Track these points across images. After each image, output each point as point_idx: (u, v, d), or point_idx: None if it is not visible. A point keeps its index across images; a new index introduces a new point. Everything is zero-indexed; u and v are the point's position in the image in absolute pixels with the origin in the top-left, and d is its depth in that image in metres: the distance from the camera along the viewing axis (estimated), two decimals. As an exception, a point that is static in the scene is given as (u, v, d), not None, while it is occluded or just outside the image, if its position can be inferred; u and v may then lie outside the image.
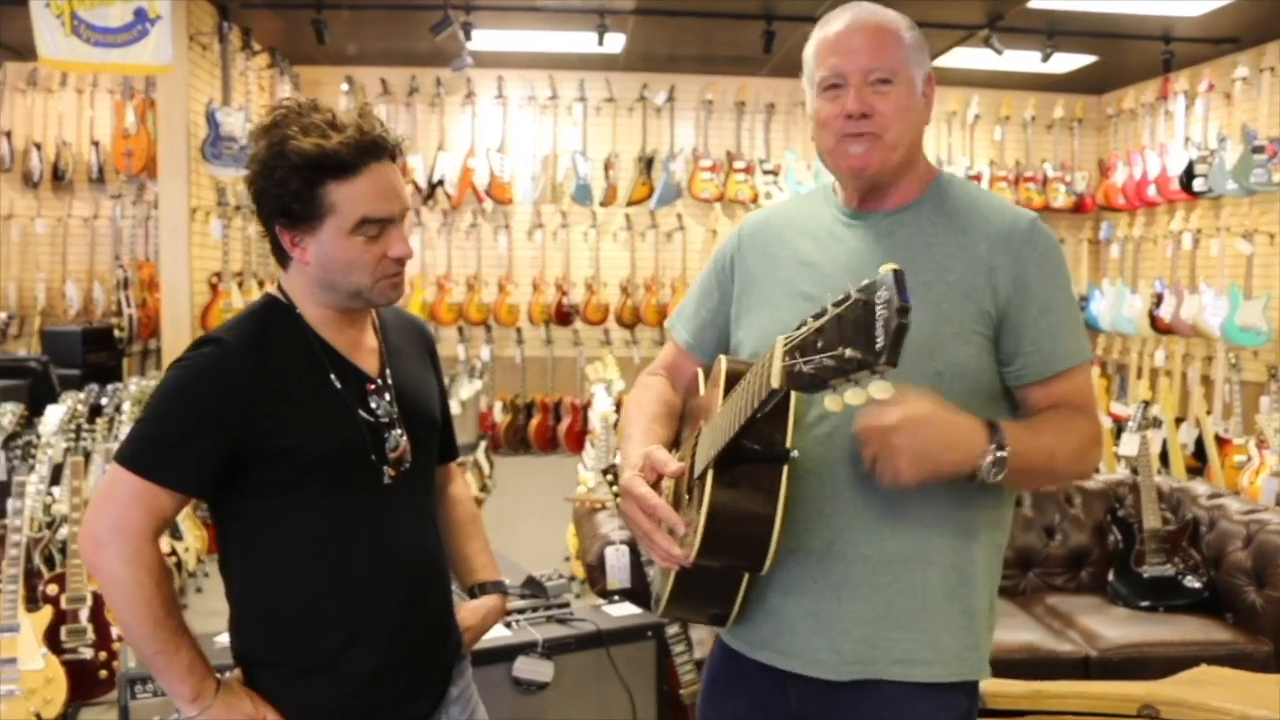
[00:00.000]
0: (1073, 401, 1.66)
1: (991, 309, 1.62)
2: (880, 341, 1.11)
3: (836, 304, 1.17)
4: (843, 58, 1.66)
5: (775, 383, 1.25)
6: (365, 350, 1.77)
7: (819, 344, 1.18)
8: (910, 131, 1.68)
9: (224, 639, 2.71)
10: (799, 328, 1.22)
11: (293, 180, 1.60)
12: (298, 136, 1.59)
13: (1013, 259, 1.64)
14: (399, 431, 1.74)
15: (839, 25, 1.69)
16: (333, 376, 1.69)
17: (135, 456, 1.61)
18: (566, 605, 3.15)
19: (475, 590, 1.95)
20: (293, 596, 1.68)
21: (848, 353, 1.13)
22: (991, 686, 2.36)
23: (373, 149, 1.63)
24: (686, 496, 1.63)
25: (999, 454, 1.50)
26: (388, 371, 1.78)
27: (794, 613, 1.67)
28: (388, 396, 1.75)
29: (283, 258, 1.71)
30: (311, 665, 1.69)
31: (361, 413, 1.70)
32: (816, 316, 1.19)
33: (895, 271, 1.11)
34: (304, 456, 1.64)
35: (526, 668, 2.89)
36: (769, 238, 1.82)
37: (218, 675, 1.66)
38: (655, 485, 1.61)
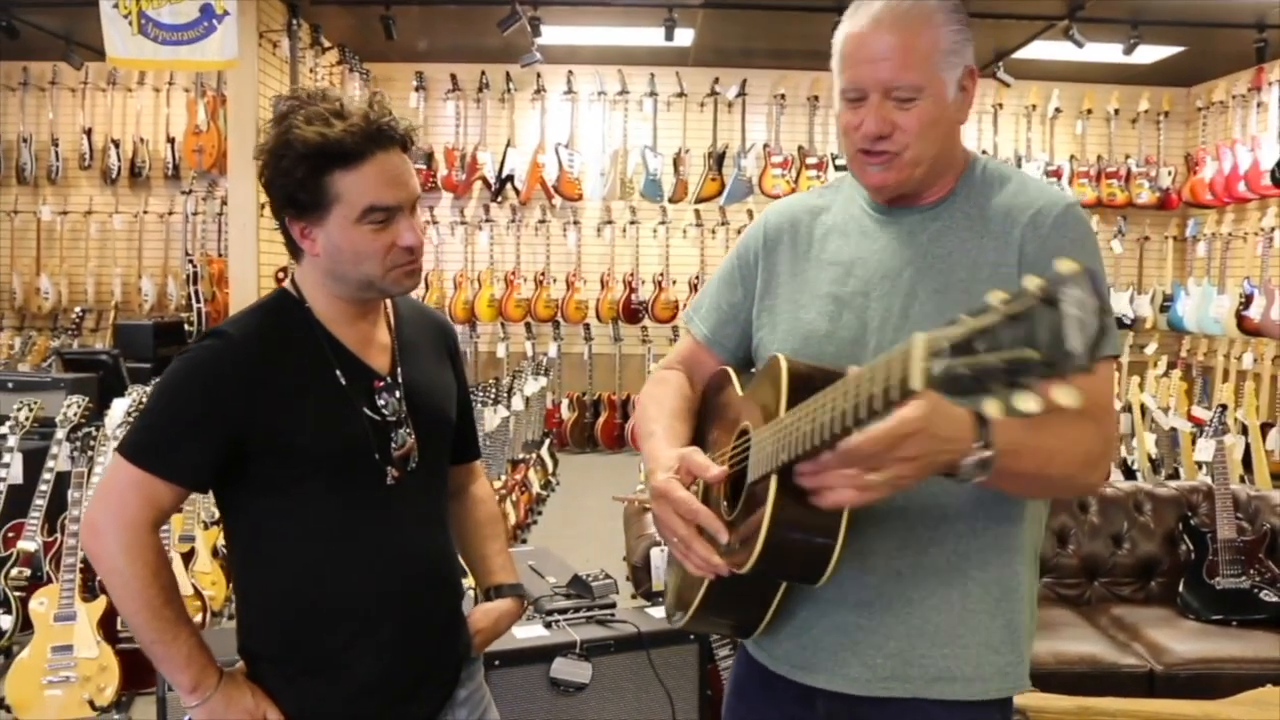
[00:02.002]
0: (1089, 400, 1.54)
1: None
2: (1073, 343, 0.99)
3: (1005, 302, 1.04)
4: (864, 69, 1.53)
5: (916, 384, 1.11)
6: (376, 346, 1.73)
7: (979, 344, 1.06)
8: (936, 145, 1.55)
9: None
10: (949, 325, 1.09)
11: (298, 169, 1.57)
12: (301, 125, 1.56)
13: (1040, 245, 1.53)
14: (406, 431, 1.70)
15: (865, 20, 1.54)
16: (338, 373, 1.66)
17: (134, 447, 1.60)
18: (612, 606, 3.10)
19: (491, 593, 1.90)
20: (293, 594, 1.66)
21: (1026, 354, 1.01)
22: (1036, 701, 2.25)
23: (378, 137, 1.59)
24: (725, 502, 1.56)
25: (983, 454, 1.34)
26: (398, 369, 1.74)
27: (820, 627, 1.59)
28: (397, 394, 1.71)
29: (294, 249, 1.69)
30: (312, 664, 1.67)
31: (367, 411, 1.67)
32: (974, 314, 1.06)
33: (1085, 269, 1.00)
34: (305, 454, 1.61)
35: (564, 669, 2.86)
36: (797, 234, 1.73)
37: (222, 667, 1.64)
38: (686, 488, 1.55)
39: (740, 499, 1.49)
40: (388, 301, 1.78)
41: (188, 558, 4.47)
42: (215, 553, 4.83)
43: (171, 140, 8.52)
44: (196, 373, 1.62)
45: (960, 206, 1.60)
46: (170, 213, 8.63)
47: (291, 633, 1.67)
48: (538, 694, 2.84)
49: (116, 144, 8.71)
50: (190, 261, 7.74)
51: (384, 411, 1.68)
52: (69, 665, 3.74)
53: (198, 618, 4.32)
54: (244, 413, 1.59)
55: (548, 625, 2.99)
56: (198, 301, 7.46)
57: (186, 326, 7.42)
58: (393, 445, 1.68)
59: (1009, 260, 1.54)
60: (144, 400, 4.98)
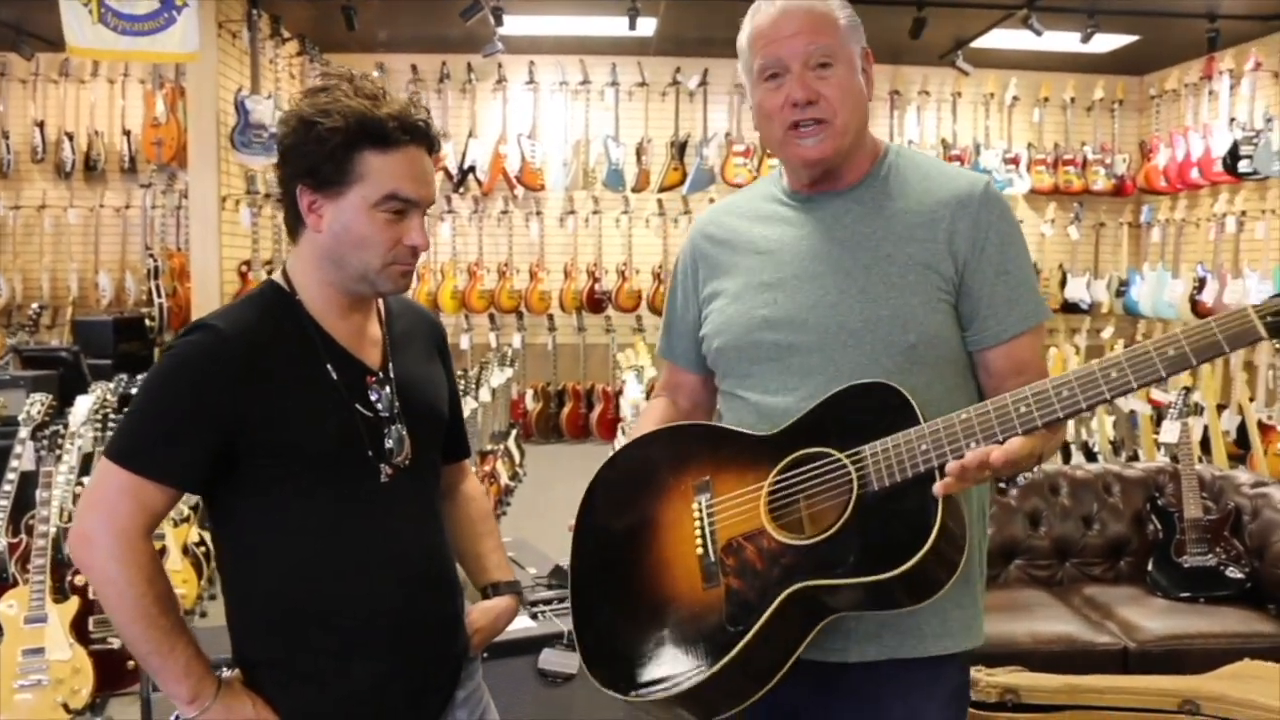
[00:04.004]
0: (1032, 366, 1.67)
1: (952, 273, 1.64)
2: None
3: None
4: (780, 44, 1.65)
5: (1264, 333, 1.33)
6: (367, 341, 1.70)
7: None
8: (858, 115, 1.68)
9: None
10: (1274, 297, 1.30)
11: (333, 138, 1.55)
12: (350, 95, 1.56)
13: (971, 223, 1.65)
14: (399, 427, 1.67)
15: (772, 11, 1.68)
16: (329, 367, 1.63)
17: (123, 450, 1.55)
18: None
19: (488, 591, 1.88)
20: (286, 597, 1.61)
21: None
22: (1026, 680, 2.30)
23: (415, 131, 1.60)
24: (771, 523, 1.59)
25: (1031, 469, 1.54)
26: (390, 364, 1.71)
27: None
28: (389, 390, 1.68)
29: (295, 225, 1.65)
30: (309, 668, 1.62)
31: (359, 406, 1.64)
32: None
33: None
34: (296, 450, 1.58)
35: (552, 659, 2.85)
36: (724, 235, 1.82)
37: (219, 675, 1.60)
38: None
39: (852, 507, 1.52)
40: (378, 297, 1.75)
41: (159, 556, 4.42)
42: (186, 550, 4.78)
43: (128, 133, 8.38)
44: (184, 368, 1.57)
45: (880, 187, 1.70)
46: (127, 206, 8.49)
47: (286, 637, 1.62)
48: (526, 685, 2.83)
49: (70, 137, 8.55)
50: (151, 256, 7.62)
51: (376, 407, 1.65)
52: (40, 668, 3.69)
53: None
54: (234, 408, 1.54)
55: (534, 616, 2.99)
56: (159, 296, 7.35)
57: (148, 322, 7.31)
58: (386, 441, 1.65)
59: (936, 237, 1.65)
60: (108, 397, 4.91)
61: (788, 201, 1.75)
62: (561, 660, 2.87)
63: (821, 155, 1.66)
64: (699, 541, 1.63)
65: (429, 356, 1.83)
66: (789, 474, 1.59)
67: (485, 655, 2.74)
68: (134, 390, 5.13)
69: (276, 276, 1.70)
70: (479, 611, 1.85)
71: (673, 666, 1.58)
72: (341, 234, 1.60)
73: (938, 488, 1.43)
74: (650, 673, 1.60)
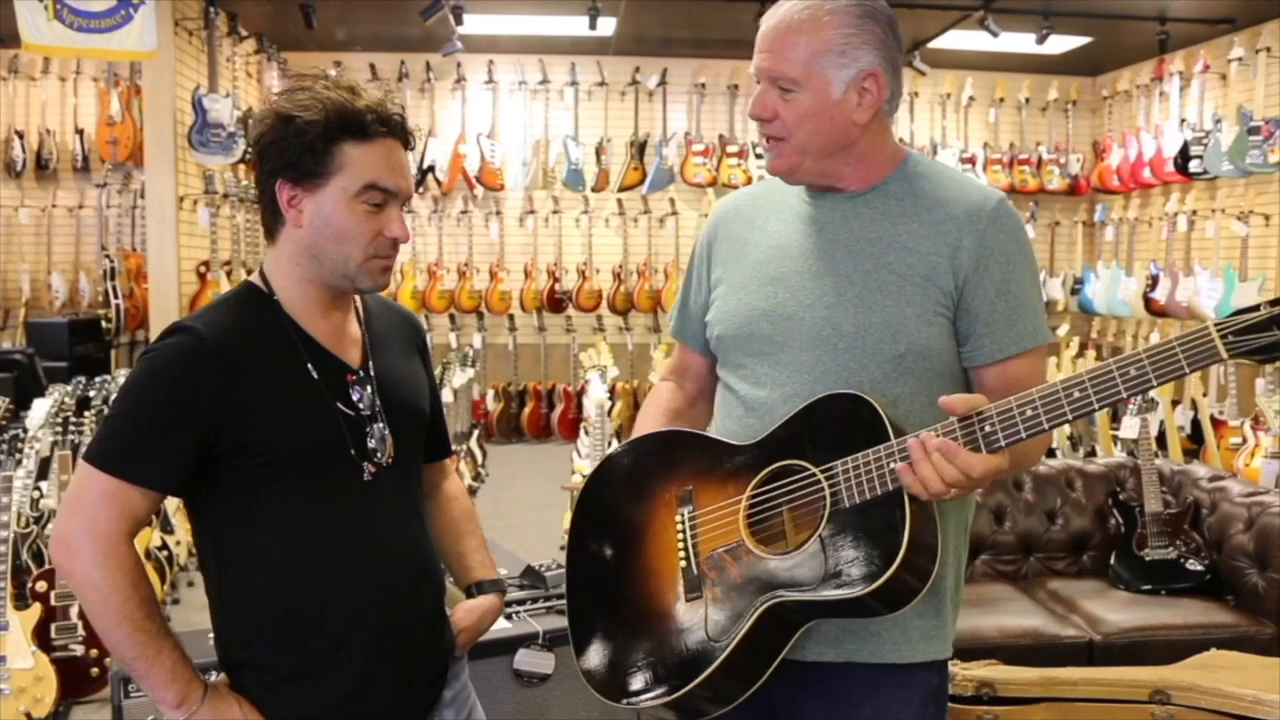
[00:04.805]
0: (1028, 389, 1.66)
1: (952, 288, 1.63)
2: None
3: None
4: (757, 57, 1.68)
5: (1224, 355, 1.34)
6: (347, 340, 1.71)
7: None
8: (821, 137, 1.66)
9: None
10: (1239, 313, 1.35)
11: (312, 130, 1.56)
12: (327, 89, 1.59)
13: (977, 239, 1.64)
14: (381, 425, 1.67)
15: (770, 16, 1.69)
16: (310, 366, 1.62)
17: (104, 454, 1.54)
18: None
19: (472, 590, 1.88)
20: (271, 599, 1.61)
21: None
22: (1001, 674, 2.33)
23: (391, 124, 1.63)
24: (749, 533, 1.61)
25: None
26: (370, 363, 1.71)
27: None
28: (369, 389, 1.68)
29: (274, 224, 1.65)
30: (296, 669, 1.62)
31: (340, 405, 1.64)
32: (1273, 303, 1.33)
33: None
34: (278, 450, 1.58)
35: (528, 660, 2.85)
36: (740, 223, 1.84)
37: (204, 679, 1.59)
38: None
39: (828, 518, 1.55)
40: (357, 296, 1.76)
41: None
42: (148, 555, 4.72)
43: (80, 131, 8.24)
44: (164, 371, 1.56)
45: (893, 195, 1.70)
46: (81, 206, 8.34)
47: (272, 638, 1.62)
48: (502, 686, 2.83)
49: (21, 135, 8.39)
50: (107, 257, 7.49)
51: (358, 406, 1.65)
52: (2, 677, 3.62)
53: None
54: (215, 410, 1.54)
55: (508, 617, 2.98)
56: (115, 297, 7.23)
57: (104, 324, 7.19)
58: (369, 440, 1.65)
59: (940, 251, 1.64)
60: (66, 400, 4.84)
61: (805, 198, 1.76)
62: (536, 660, 2.87)
63: (775, 169, 1.71)
64: (682, 553, 1.66)
65: (409, 355, 1.83)
66: (766, 487, 1.62)
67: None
68: (91, 393, 5.06)
69: (253, 278, 1.70)
70: (463, 610, 1.85)
71: (661, 675, 1.62)
72: (322, 227, 1.60)
73: (901, 468, 1.48)
74: (640, 680, 1.64)
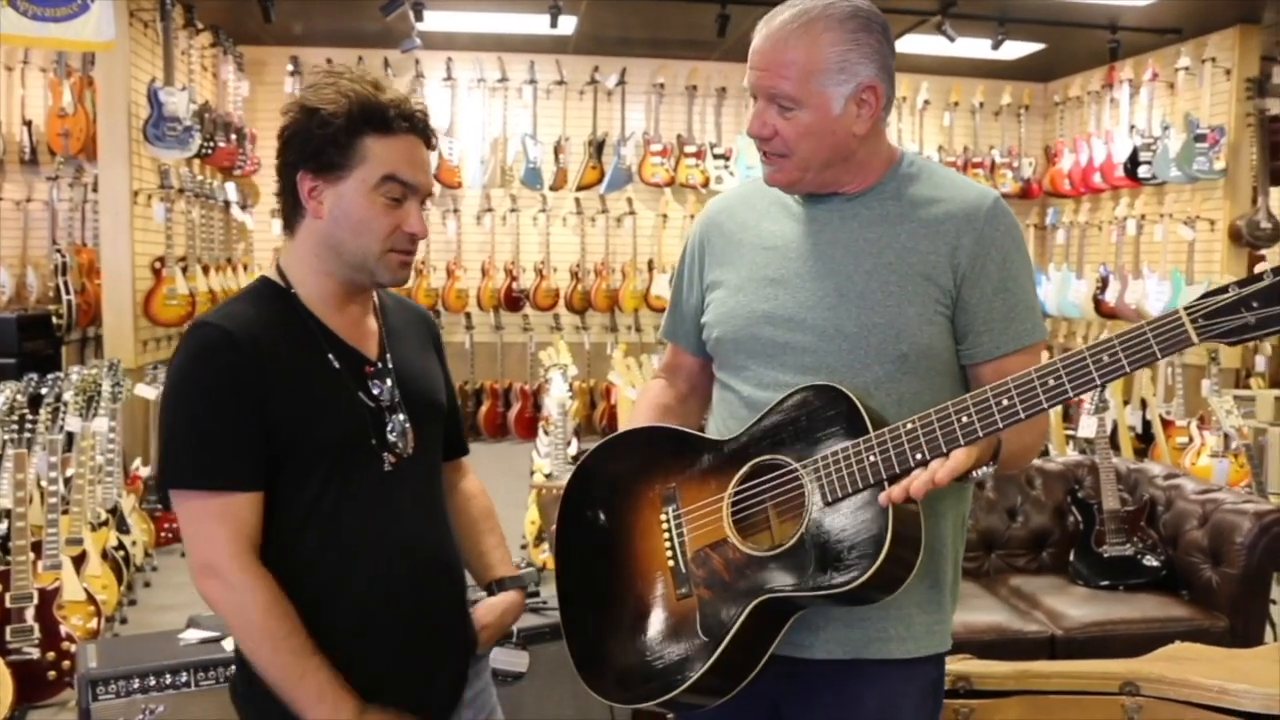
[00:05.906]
0: None
1: (951, 286, 1.65)
2: None
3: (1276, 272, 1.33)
4: (752, 75, 1.67)
5: (1195, 339, 1.36)
6: (365, 332, 1.72)
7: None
8: (824, 152, 1.66)
9: (190, 635, 2.65)
10: (1209, 294, 1.35)
11: (335, 121, 1.58)
12: (354, 82, 1.61)
13: (975, 238, 1.66)
14: (402, 417, 1.69)
15: (763, 30, 1.67)
16: (331, 357, 1.64)
17: (181, 472, 1.56)
18: (537, 594, 3.10)
19: (493, 587, 1.87)
20: (294, 590, 1.59)
21: None
22: (977, 668, 2.37)
23: (413, 120, 1.65)
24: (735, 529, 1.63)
25: (990, 466, 1.56)
26: (388, 355, 1.72)
27: None
28: (388, 381, 1.69)
29: (294, 216, 1.66)
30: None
31: (361, 396, 1.65)
32: (1240, 284, 1.35)
33: None
34: (303, 441, 1.59)
35: (502, 658, 2.85)
36: (733, 224, 1.83)
37: (357, 699, 1.58)
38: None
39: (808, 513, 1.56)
40: (375, 291, 1.77)
41: (78, 561, 4.29)
42: (105, 555, 4.65)
43: (28, 123, 8.05)
44: (201, 364, 1.57)
45: (890, 196, 1.71)
46: (28, 199, 8.16)
47: None
48: (476, 683, 2.83)
49: (-36, 127, 8.19)
50: (58, 251, 7.34)
51: (378, 397, 1.67)
52: (-43, 678, 3.56)
53: (91, 623, 4.16)
54: (264, 401, 1.56)
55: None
56: (67, 293, 7.08)
57: (55, 319, 7.04)
58: (388, 431, 1.66)
59: (939, 249, 1.65)
60: (18, 397, 4.74)
61: (800, 199, 1.76)
62: (511, 659, 2.87)
63: (775, 183, 1.71)
64: (669, 552, 1.67)
65: (425, 350, 1.84)
66: (748, 483, 1.63)
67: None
68: (44, 390, 4.97)
69: (269, 273, 1.70)
70: (485, 608, 1.84)
71: (655, 674, 1.64)
72: (341, 219, 1.61)
73: (883, 498, 1.48)
74: (634, 680, 1.66)
